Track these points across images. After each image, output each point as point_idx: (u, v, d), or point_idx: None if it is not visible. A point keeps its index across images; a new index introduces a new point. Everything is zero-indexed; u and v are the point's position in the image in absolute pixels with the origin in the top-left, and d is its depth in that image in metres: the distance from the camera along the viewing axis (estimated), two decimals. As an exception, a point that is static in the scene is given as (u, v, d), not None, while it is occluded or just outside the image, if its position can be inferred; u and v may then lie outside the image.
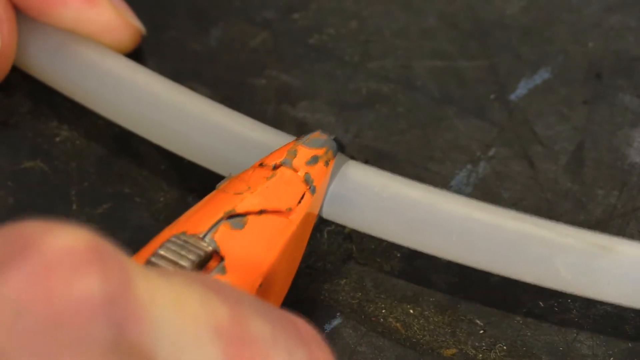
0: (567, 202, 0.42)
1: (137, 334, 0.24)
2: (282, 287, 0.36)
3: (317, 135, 0.38)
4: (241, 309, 0.27)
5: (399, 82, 0.46)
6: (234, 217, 0.34)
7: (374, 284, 0.39)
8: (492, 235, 0.37)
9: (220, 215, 0.34)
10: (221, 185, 0.36)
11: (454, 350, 0.38)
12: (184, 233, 0.32)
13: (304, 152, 0.37)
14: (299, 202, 0.36)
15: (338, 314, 0.39)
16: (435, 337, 0.38)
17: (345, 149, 0.39)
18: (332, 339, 0.38)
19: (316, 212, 0.37)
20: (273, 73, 0.46)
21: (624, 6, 0.49)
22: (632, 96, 0.45)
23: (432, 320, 0.39)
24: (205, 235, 0.33)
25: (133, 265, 0.25)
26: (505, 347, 0.38)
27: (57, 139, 0.44)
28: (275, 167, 0.36)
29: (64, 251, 0.24)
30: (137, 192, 0.42)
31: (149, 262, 0.31)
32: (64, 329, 0.23)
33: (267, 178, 0.36)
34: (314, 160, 0.37)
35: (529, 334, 0.38)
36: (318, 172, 0.37)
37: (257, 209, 0.35)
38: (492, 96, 0.45)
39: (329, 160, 0.37)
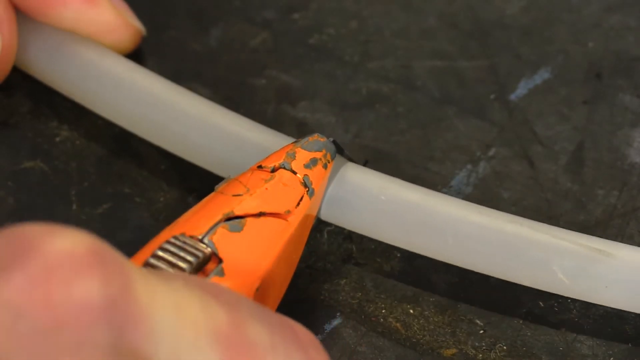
0: (567, 202, 0.42)
1: (137, 338, 0.24)
2: (280, 289, 0.36)
3: (316, 138, 0.38)
4: (240, 314, 0.27)
5: (399, 82, 0.46)
6: (233, 219, 0.34)
7: (374, 284, 0.39)
8: (489, 238, 0.37)
9: (219, 217, 0.34)
10: (220, 187, 0.36)
11: (454, 350, 0.38)
12: (182, 234, 0.32)
13: (303, 154, 0.37)
14: (298, 204, 0.36)
15: (338, 314, 0.39)
16: (435, 337, 0.38)
17: (344, 151, 0.39)
18: (332, 339, 0.38)
19: (314, 214, 0.37)
20: (273, 73, 0.46)
21: (624, 6, 0.49)
22: (632, 96, 0.45)
23: (432, 320, 0.39)
24: (203, 237, 0.33)
25: (133, 268, 0.25)
26: (505, 347, 0.38)
27: (57, 139, 0.44)
28: (274, 170, 0.36)
29: (64, 254, 0.24)
30: (137, 192, 0.42)
31: (147, 264, 0.31)
32: (64, 332, 0.23)
33: (266, 180, 0.36)
34: (313, 162, 0.37)
35: (529, 334, 0.38)
36: (316, 174, 0.37)
37: (256, 211, 0.35)
38: (492, 96, 0.45)
39: (328, 163, 0.37)
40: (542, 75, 0.46)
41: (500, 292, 0.39)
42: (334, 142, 0.38)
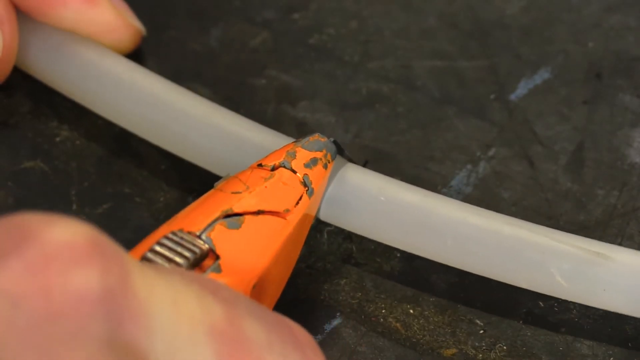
0: (567, 202, 0.42)
1: (133, 330, 0.24)
2: (277, 288, 0.36)
3: (317, 138, 0.38)
4: (237, 311, 0.27)
5: (399, 82, 0.46)
6: (231, 216, 0.34)
7: (374, 284, 0.39)
8: (487, 240, 0.37)
9: (217, 214, 0.34)
10: (219, 184, 0.36)
11: (454, 350, 0.38)
12: (180, 230, 0.32)
13: (303, 154, 0.37)
14: (297, 203, 0.36)
15: (338, 314, 0.39)
16: (435, 337, 0.38)
17: (344, 151, 0.39)
18: (332, 339, 0.38)
19: (313, 214, 0.37)
20: (273, 73, 0.46)
21: (624, 6, 0.49)
22: (632, 96, 0.45)
23: (432, 320, 0.39)
24: (201, 234, 0.33)
25: (132, 262, 0.25)
26: (505, 347, 0.38)
27: (57, 139, 0.44)
28: (274, 168, 0.36)
29: (63, 244, 0.24)
30: (137, 192, 0.42)
31: (144, 258, 0.31)
32: (61, 322, 0.23)
33: (266, 179, 0.36)
34: (313, 162, 0.37)
35: (529, 334, 0.38)
36: (316, 174, 0.37)
37: (255, 209, 0.35)
38: (492, 96, 0.45)
39: (328, 163, 0.37)
40: (542, 75, 0.46)
41: (500, 292, 0.39)
42: (335, 142, 0.38)
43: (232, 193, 0.35)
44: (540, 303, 0.39)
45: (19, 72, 0.44)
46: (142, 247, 0.32)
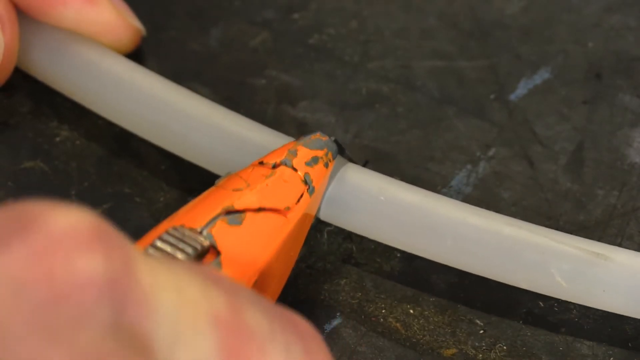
0: (567, 202, 0.42)
1: (137, 316, 0.24)
2: (277, 285, 0.36)
3: (318, 137, 0.38)
4: (239, 301, 0.27)
5: (399, 82, 0.46)
6: (232, 213, 0.34)
7: (374, 284, 0.39)
8: (487, 241, 0.37)
9: (218, 210, 0.34)
10: (220, 181, 0.36)
11: (454, 350, 0.38)
12: (181, 226, 0.32)
13: (304, 152, 0.37)
14: (297, 201, 0.36)
15: (338, 314, 0.39)
16: (435, 337, 0.38)
17: (345, 151, 0.39)
18: (332, 339, 0.38)
19: (314, 212, 0.37)
20: (273, 73, 0.46)
21: (624, 6, 0.49)
22: (632, 96, 0.45)
23: (432, 320, 0.39)
24: (202, 230, 0.33)
25: (135, 249, 0.25)
26: (505, 347, 0.38)
27: (57, 139, 0.44)
28: (275, 166, 0.36)
29: (66, 230, 0.24)
30: (137, 192, 0.42)
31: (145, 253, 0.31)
32: (65, 306, 0.23)
33: (267, 176, 0.36)
34: (314, 161, 0.37)
35: (529, 334, 0.38)
36: (317, 173, 0.37)
37: (255, 206, 0.35)
38: (492, 96, 0.45)
39: (329, 162, 0.38)
40: (542, 75, 0.46)
41: (500, 292, 0.39)
42: (336, 141, 0.38)
43: (233, 190, 0.35)
44: (540, 303, 0.39)
45: (19, 72, 0.44)
46: (143, 243, 0.32)
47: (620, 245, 0.40)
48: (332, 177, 0.38)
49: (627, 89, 0.46)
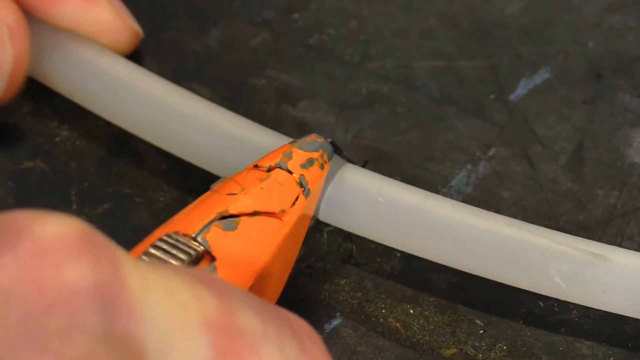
0: (567, 202, 0.42)
1: (127, 322, 0.24)
2: (275, 289, 0.36)
3: (313, 138, 0.38)
4: (231, 302, 0.27)
5: (399, 82, 0.46)
6: (227, 217, 0.34)
7: (374, 284, 0.39)
8: (486, 241, 0.37)
9: (213, 215, 0.34)
10: (215, 186, 0.36)
11: (454, 350, 0.38)
12: (175, 232, 0.32)
13: (299, 154, 0.37)
14: (293, 204, 0.36)
15: (338, 314, 0.39)
16: (435, 337, 0.38)
17: (342, 152, 0.39)
18: (332, 339, 0.38)
19: (311, 214, 0.37)
20: (273, 73, 0.46)
21: (624, 6, 0.49)
22: (632, 96, 0.45)
23: (432, 320, 0.39)
24: (197, 236, 0.33)
25: (123, 254, 0.25)
26: (505, 347, 0.38)
27: (57, 139, 0.44)
28: (270, 169, 0.36)
29: (54, 239, 0.24)
30: (137, 192, 0.42)
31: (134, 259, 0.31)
32: (55, 315, 0.23)
33: (261, 180, 0.36)
34: (309, 162, 0.37)
35: (529, 334, 0.38)
36: (313, 174, 0.37)
37: (250, 210, 0.34)
38: (492, 96, 0.45)
39: (325, 164, 0.37)
40: (542, 75, 0.46)
41: (500, 292, 0.39)
42: (332, 142, 0.38)
43: (228, 195, 0.35)
44: (540, 303, 0.39)
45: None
46: (137, 251, 0.32)
47: (620, 245, 0.40)
48: (331, 177, 0.38)
49: (627, 89, 0.46)
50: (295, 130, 0.44)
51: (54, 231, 0.24)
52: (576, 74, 0.46)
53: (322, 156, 0.37)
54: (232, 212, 0.34)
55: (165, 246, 0.31)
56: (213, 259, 0.32)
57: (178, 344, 0.25)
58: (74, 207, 0.41)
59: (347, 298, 0.39)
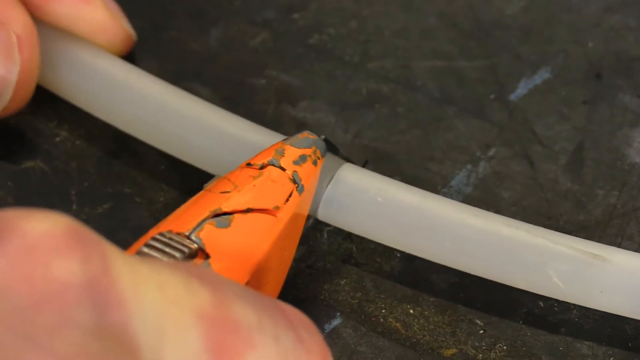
0: (567, 202, 0.42)
1: (119, 316, 0.24)
2: (274, 285, 0.36)
3: (306, 135, 0.38)
4: (224, 294, 0.27)
5: (399, 82, 0.46)
6: (220, 215, 0.34)
7: (374, 284, 0.39)
8: (485, 241, 0.37)
9: (206, 214, 0.34)
10: (208, 185, 0.36)
11: (454, 350, 0.38)
12: (169, 231, 0.32)
13: (292, 151, 0.37)
14: (287, 200, 0.36)
15: (338, 314, 0.39)
16: (435, 337, 0.38)
17: (338, 150, 0.39)
18: (332, 339, 0.38)
19: (306, 211, 0.37)
20: (273, 73, 0.46)
21: (624, 6, 0.49)
22: (632, 96, 0.45)
23: (432, 320, 0.39)
24: (190, 234, 0.33)
25: (114, 250, 0.25)
26: (505, 347, 0.38)
27: (57, 139, 0.44)
28: (263, 167, 0.36)
29: (42, 235, 0.24)
30: (137, 192, 0.42)
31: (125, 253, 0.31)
32: (45, 310, 0.23)
33: (254, 177, 0.36)
34: (302, 159, 0.37)
35: (529, 334, 0.38)
36: (306, 171, 0.37)
37: (244, 207, 0.34)
38: (492, 96, 0.45)
39: (318, 160, 0.37)
40: (542, 75, 0.46)
41: (500, 292, 0.39)
42: (327, 140, 0.38)
43: (221, 193, 0.35)
44: (540, 303, 0.39)
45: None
46: (131, 250, 0.32)
47: (620, 245, 0.40)
48: (330, 177, 0.38)
49: (627, 89, 0.46)
50: (295, 130, 0.44)
51: (42, 228, 0.24)
52: (576, 74, 0.46)
53: (314, 152, 0.37)
54: (225, 209, 0.34)
55: (158, 245, 0.31)
56: (207, 256, 0.32)
57: (171, 338, 0.25)
58: (74, 207, 0.41)
59: (347, 298, 0.39)
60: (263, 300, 0.28)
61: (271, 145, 0.37)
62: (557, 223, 0.41)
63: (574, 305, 0.39)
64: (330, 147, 0.38)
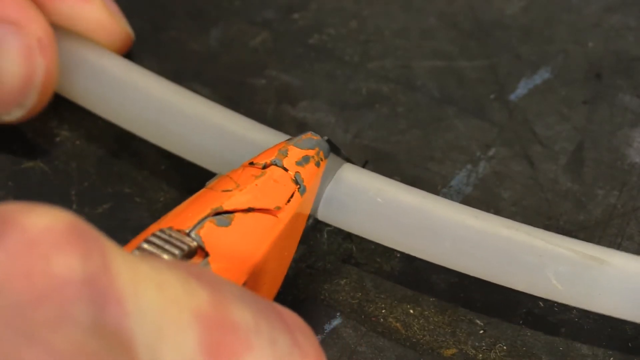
0: (567, 202, 0.42)
1: (116, 314, 0.24)
2: (270, 287, 0.36)
3: (309, 136, 0.38)
4: (222, 295, 0.27)
5: (399, 82, 0.46)
6: (221, 214, 0.34)
7: (374, 284, 0.39)
8: (485, 242, 0.37)
9: (207, 212, 0.34)
10: (210, 183, 0.36)
11: (454, 350, 0.38)
12: (169, 228, 0.32)
13: (295, 152, 0.37)
14: (288, 201, 0.36)
15: (338, 314, 0.39)
16: (435, 337, 0.38)
17: (340, 151, 0.39)
18: (332, 339, 0.38)
19: (307, 212, 0.37)
20: (273, 73, 0.46)
21: (624, 6, 0.49)
22: (632, 96, 0.45)
23: (432, 320, 0.39)
24: (190, 231, 0.33)
25: (113, 247, 0.25)
26: (505, 347, 0.38)
27: (57, 139, 0.44)
28: (265, 166, 0.36)
29: (43, 230, 0.24)
30: (137, 192, 0.42)
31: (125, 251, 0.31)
32: (44, 306, 0.23)
33: (257, 177, 0.36)
34: (305, 160, 0.37)
35: (529, 334, 0.38)
36: (309, 172, 0.37)
37: (245, 206, 0.34)
38: (492, 96, 0.45)
39: (320, 161, 0.37)
40: (542, 75, 0.46)
41: (500, 293, 0.39)
42: (329, 141, 0.38)
43: (223, 191, 0.35)
44: (540, 303, 0.39)
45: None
46: (130, 247, 0.32)
47: (620, 245, 0.40)
48: (330, 177, 0.38)
49: (627, 89, 0.46)
50: (295, 130, 0.44)
51: (43, 223, 0.24)
52: (576, 74, 0.46)
53: (318, 154, 0.37)
54: (226, 208, 0.34)
55: (158, 241, 0.31)
56: (206, 254, 0.32)
57: (168, 337, 0.25)
58: (74, 207, 0.41)
59: (347, 298, 0.39)
60: (260, 303, 0.28)
61: (274, 145, 0.37)
62: (557, 223, 0.41)
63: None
64: (332, 148, 0.38)
